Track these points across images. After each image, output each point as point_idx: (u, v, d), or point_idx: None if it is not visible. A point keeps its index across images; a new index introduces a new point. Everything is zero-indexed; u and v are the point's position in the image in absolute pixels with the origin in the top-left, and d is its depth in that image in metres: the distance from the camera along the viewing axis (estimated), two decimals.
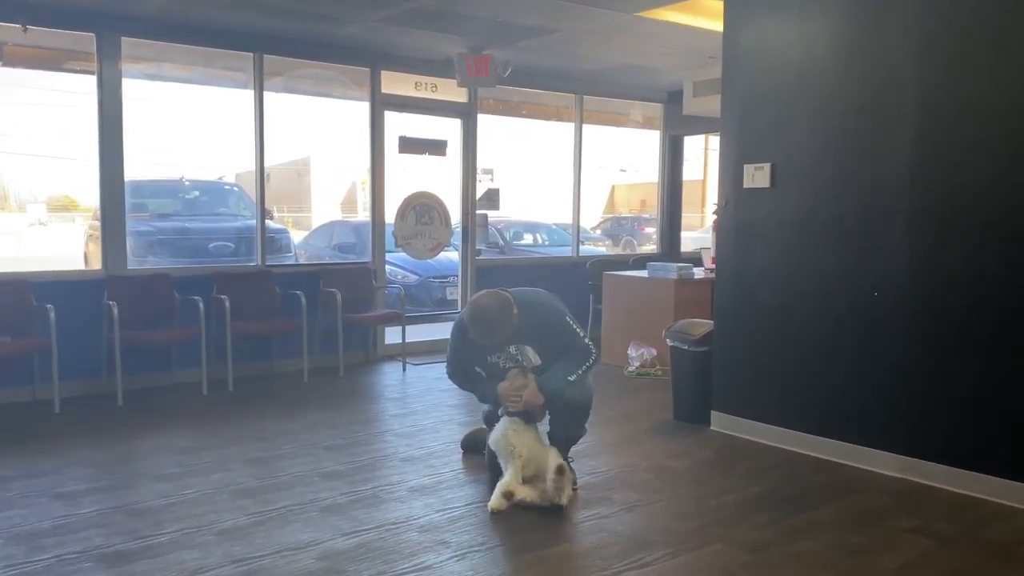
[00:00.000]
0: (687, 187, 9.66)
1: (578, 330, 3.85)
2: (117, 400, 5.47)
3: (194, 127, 8.53)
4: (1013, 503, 3.68)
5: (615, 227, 14.54)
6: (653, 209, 10.12)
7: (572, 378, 3.74)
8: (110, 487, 3.85)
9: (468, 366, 3.98)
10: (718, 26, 5.33)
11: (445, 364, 4.11)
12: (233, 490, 3.81)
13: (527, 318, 3.73)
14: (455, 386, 4.18)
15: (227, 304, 5.94)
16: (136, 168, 6.89)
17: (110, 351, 5.62)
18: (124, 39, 5.85)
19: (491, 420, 4.02)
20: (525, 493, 3.56)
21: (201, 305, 5.83)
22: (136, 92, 6.15)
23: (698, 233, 14.59)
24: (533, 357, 3.81)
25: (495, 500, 3.55)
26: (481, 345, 3.78)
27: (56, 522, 3.41)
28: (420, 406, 5.53)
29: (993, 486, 3.76)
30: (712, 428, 4.98)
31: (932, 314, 3.97)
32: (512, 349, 3.81)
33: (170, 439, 4.65)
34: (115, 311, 5.50)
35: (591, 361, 3.80)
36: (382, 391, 6.19)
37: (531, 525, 3.41)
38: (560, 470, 3.54)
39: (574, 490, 3.75)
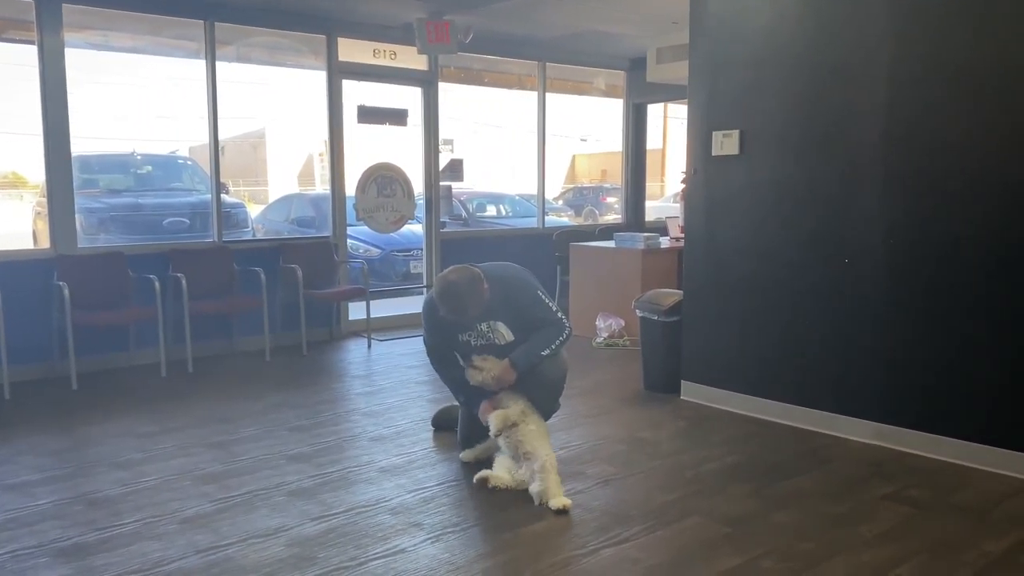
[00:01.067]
0: (647, 156, 9.58)
1: (551, 304, 3.76)
2: (71, 384, 5.27)
3: (145, 99, 8.24)
4: (983, 466, 3.70)
5: (577, 197, 14.50)
6: (615, 179, 10.06)
7: (545, 353, 3.65)
8: (66, 476, 3.69)
9: (446, 351, 3.87)
10: None
11: (426, 352, 3.99)
12: (195, 476, 3.68)
13: (498, 293, 3.62)
14: (424, 363, 4.08)
15: (184, 282, 5.74)
16: (85, 142, 6.62)
17: (62, 333, 5.40)
18: (65, 6, 5.56)
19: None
20: (499, 481, 3.44)
21: (157, 284, 5.63)
22: (81, 63, 5.88)
23: (659, 202, 14.60)
24: (505, 333, 3.71)
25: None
26: (451, 323, 3.67)
27: (9, 515, 3.24)
28: (387, 383, 5.42)
29: (963, 450, 3.78)
30: (682, 398, 4.95)
31: (903, 280, 3.95)
32: (483, 326, 3.70)
33: (128, 424, 4.49)
34: (66, 291, 5.28)
35: (565, 336, 3.71)
36: (347, 369, 6.06)
37: (506, 504, 3.33)
38: (546, 469, 3.41)
39: None
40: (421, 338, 4.01)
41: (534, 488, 3.36)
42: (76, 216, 5.83)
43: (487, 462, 3.68)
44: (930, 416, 3.90)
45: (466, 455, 3.83)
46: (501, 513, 3.25)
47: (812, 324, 4.33)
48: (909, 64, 3.87)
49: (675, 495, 3.44)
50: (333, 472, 3.72)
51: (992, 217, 3.65)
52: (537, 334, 3.68)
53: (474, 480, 3.44)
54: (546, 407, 3.83)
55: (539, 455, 3.45)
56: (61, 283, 5.35)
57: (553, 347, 3.67)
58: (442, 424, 4.33)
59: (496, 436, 3.58)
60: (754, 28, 4.49)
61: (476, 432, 3.80)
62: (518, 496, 3.40)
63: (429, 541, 3.00)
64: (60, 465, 3.84)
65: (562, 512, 3.25)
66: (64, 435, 4.32)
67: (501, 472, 3.49)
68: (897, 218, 3.96)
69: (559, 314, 3.75)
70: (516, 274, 3.81)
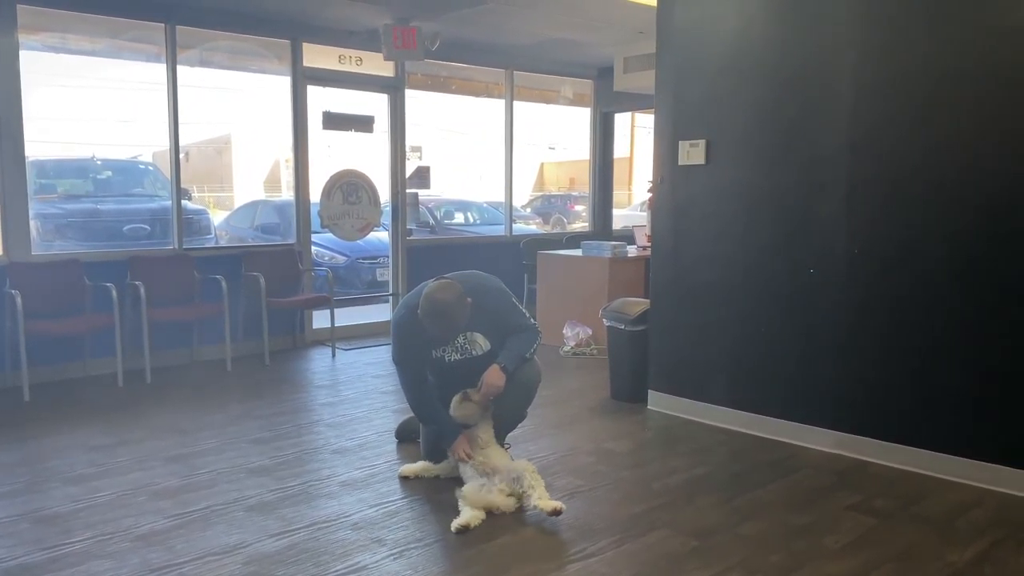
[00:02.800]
0: (615, 165, 9.60)
1: (524, 311, 3.82)
2: (23, 395, 5.11)
3: (107, 103, 8.06)
4: (946, 476, 3.72)
5: (545, 205, 14.52)
6: (582, 187, 10.05)
7: (528, 355, 3.69)
8: (13, 492, 3.56)
9: (419, 369, 3.77)
10: None
11: (400, 381, 3.85)
12: (151, 490, 3.57)
13: (477, 304, 3.62)
14: (388, 373, 4.01)
15: (142, 290, 5.61)
16: (42, 147, 6.46)
17: (14, 343, 5.24)
18: (20, 6, 5.42)
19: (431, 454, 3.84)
20: (479, 520, 3.21)
21: (114, 291, 5.49)
22: (39, 65, 5.74)
23: (626, 211, 14.67)
24: (483, 343, 3.71)
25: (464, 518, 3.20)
26: (427, 339, 3.63)
27: None
28: (351, 393, 5.33)
29: (926, 460, 3.79)
30: (649, 407, 4.93)
31: (867, 290, 3.97)
32: (460, 339, 3.68)
33: (82, 436, 4.35)
34: (18, 300, 5.13)
35: (539, 340, 3.77)
36: (310, 379, 5.95)
37: None
38: (532, 473, 3.38)
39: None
40: (390, 356, 3.92)
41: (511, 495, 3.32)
42: (31, 222, 5.68)
43: (434, 483, 3.65)
44: (893, 426, 3.91)
45: (405, 470, 3.74)
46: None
47: (777, 333, 4.33)
48: (873, 74, 3.89)
49: (642, 507, 3.40)
50: (294, 486, 3.63)
51: (956, 227, 3.67)
52: (514, 339, 3.70)
53: (453, 530, 3.13)
54: (515, 414, 3.82)
55: (514, 467, 3.42)
56: (13, 291, 5.20)
57: (532, 350, 3.72)
58: (406, 436, 4.26)
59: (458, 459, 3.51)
60: (720, 38, 4.49)
61: (440, 446, 3.74)
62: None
63: (391, 557, 2.93)
64: (8, 480, 3.70)
65: (556, 514, 3.18)
66: (14, 449, 4.17)
67: (475, 512, 3.24)
68: (861, 227, 3.97)
69: (532, 320, 3.81)
70: (489, 283, 3.81)
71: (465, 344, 3.70)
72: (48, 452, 4.12)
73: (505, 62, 8.12)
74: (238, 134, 13.66)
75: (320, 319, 7.02)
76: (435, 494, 3.54)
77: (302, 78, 6.77)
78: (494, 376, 3.56)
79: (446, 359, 3.72)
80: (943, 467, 3.74)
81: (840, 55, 4.00)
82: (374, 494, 3.54)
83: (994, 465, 3.60)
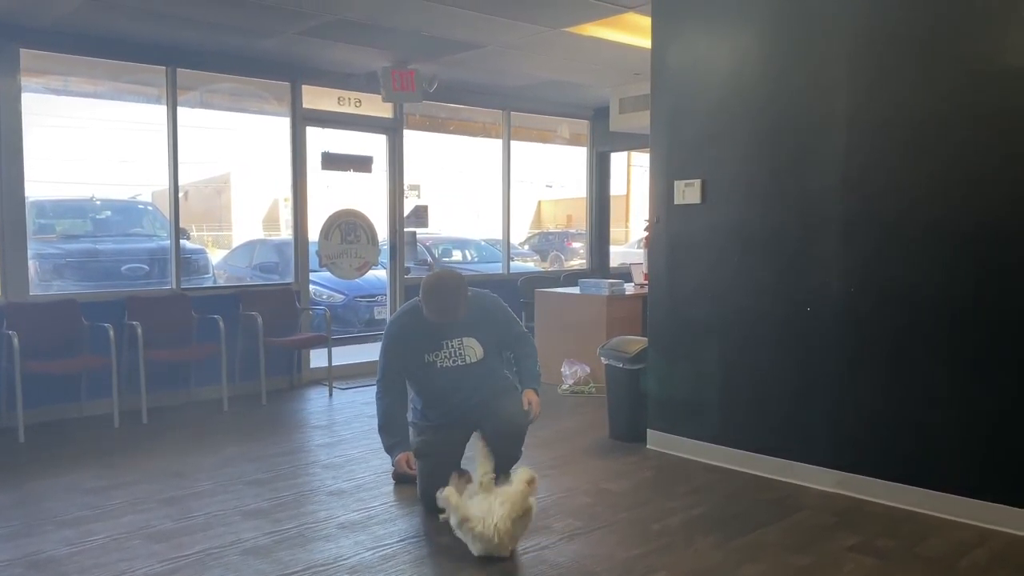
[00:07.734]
0: (611, 203, 9.67)
1: (519, 321, 4.10)
2: (18, 437, 5.08)
3: (106, 143, 8.14)
4: (947, 515, 3.69)
5: (542, 242, 14.60)
6: (579, 224, 10.11)
7: (538, 370, 3.94)
8: (7, 535, 3.52)
9: (400, 375, 3.91)
10: (644, 42, 5.32)
11: (377, 377, 3.99)
12: (146, 534, 3.53)
13: (474, 307, 3.74)
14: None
15: (139, 330, 5.61)
16: (42, 187, 6.51)
17: (10, 384, 5.22)
18: (23, 51, 5.50)
19: (421, 452, 3.86)
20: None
21: (111, 332, 5.48)
22: (41, 106, 5.81)
23: (623, 248, 14.73)
24: (476, 349, 3.79)
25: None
26: (421, 337, 3.71)
27: None
28: (348, 434, 5.30)
29: (927, 499, 3.77)
30: (648, 447, 4.90)
31: (865, 328, 3.97)
32: (454, 343, 3.76)
33: (77, 478, 4.32)
34: (15, 340, 5.13)
35: (535, 347, 4.05)
36: (308, 419, 5.92)
37: (467, 562, 3.23)
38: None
39: None
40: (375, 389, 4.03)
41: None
42: (30, 262, 5.70)
43: (431, 527, 3.56)
44: (893, 465, 3.89)
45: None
46: (462, 572, 3.16)
47: (775, 372, 4.33)
48: (864, 114, 3.94)
49: (641, 550, 3.37)
50: (290, 528, 3.60)
51: (952, 264, 3.69)
52: (521, 352, 3.95)
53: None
54: (507, 458, 3.78)
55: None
56: (10, 332, 5.19)
57: (538, 365, 3.96)
58: (403, 477, 4.23)
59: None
60: (713, 80, 4.56)
61: (440, 484, 3.69)
62: (479, 556, 3.28)
63: None
64: (2, 523, 3.66)
65: (531, 483, 3.25)
66: (8, 491, 4.14)
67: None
68: (857, 266, 3.99)
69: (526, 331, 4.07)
70: (488, 293, 4.00)
71: (459, 348, 3.76)
72: (43, 494, 4.09)
73: (502, 103, 8.21)
74: (237, 174, 13.77)
75: (317, 358, 7.01)
76: (434, 536, 3.51)
77: (301, 119, 6.84)
78: (532, 402, 3.83)
79: (437, 364, 3.78)
80: (945, 507, 3.72)
81: (832, 95, 4.05)
82: (371, 537, 3.51)
83: (997, 505, 3.58)
